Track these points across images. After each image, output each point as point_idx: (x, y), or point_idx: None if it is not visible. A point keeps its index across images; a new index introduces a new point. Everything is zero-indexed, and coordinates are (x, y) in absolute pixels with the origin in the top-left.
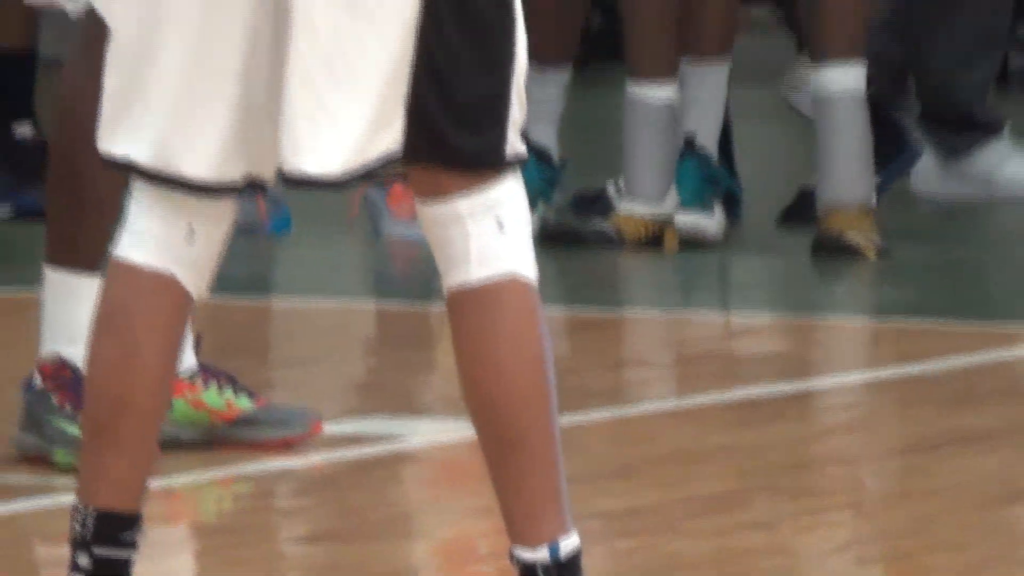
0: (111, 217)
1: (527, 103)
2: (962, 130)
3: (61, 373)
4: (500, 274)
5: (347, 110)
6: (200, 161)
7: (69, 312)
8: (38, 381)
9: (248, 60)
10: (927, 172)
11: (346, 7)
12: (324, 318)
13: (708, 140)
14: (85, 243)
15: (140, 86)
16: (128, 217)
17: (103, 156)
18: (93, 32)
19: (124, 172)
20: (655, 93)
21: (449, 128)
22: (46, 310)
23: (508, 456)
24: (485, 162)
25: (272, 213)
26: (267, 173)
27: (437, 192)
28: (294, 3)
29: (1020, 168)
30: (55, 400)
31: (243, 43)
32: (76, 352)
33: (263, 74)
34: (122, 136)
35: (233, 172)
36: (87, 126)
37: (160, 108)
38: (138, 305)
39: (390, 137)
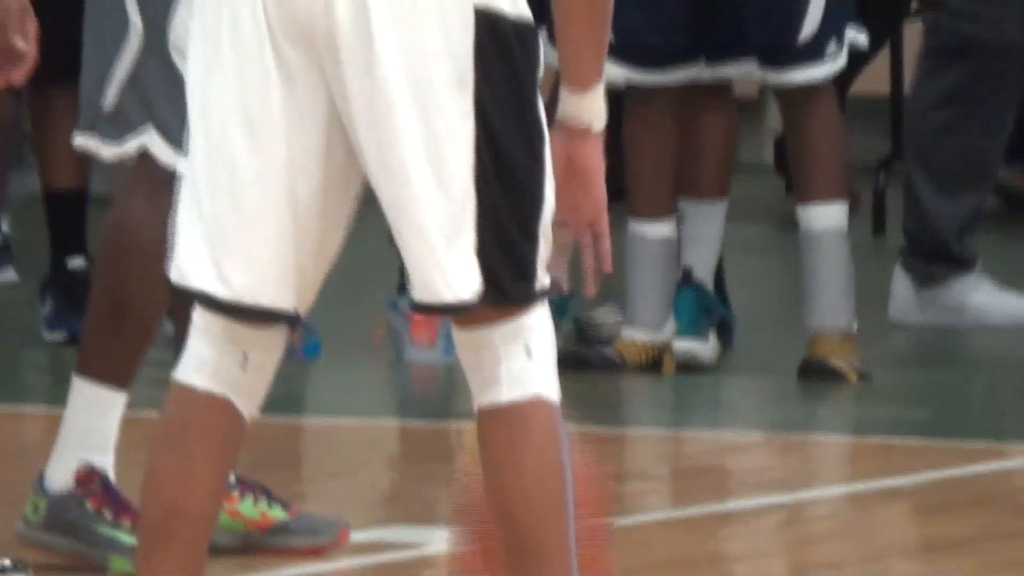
0: (148, 340)
1: None
2: (938, 261)
3: (92, 479)
4: (527, 396)
5: (449, 254)
6: (269, 294)
7: (99, 423)
8: (60, 484)
9: (324, 208)
10: (904, 300)
11: (426, 165)
12: (351, 435)
13: (705, 273)
14: (121, 361)
15: (219, 227)
16: (189, 343)
17: (177, 288)
18: (144, 172)
19: (197, 303)
20: (654, 230)
21: (499, 269)
22: (72, 418)
23: (528, 561)
24: (520, 297)
25: (304, 339)
26: (306, 305)
27: (475, 321)
28: (387, 160)
29: (989, 298)
30: (89, 505)
31: (320, 190)
32: (104, 461)
33: (330, 220)
34: (199, 271)
35: (289, 303)
36: (137, 255)
37: (239, 248)
38: (196, 424)
39: (473, 278)
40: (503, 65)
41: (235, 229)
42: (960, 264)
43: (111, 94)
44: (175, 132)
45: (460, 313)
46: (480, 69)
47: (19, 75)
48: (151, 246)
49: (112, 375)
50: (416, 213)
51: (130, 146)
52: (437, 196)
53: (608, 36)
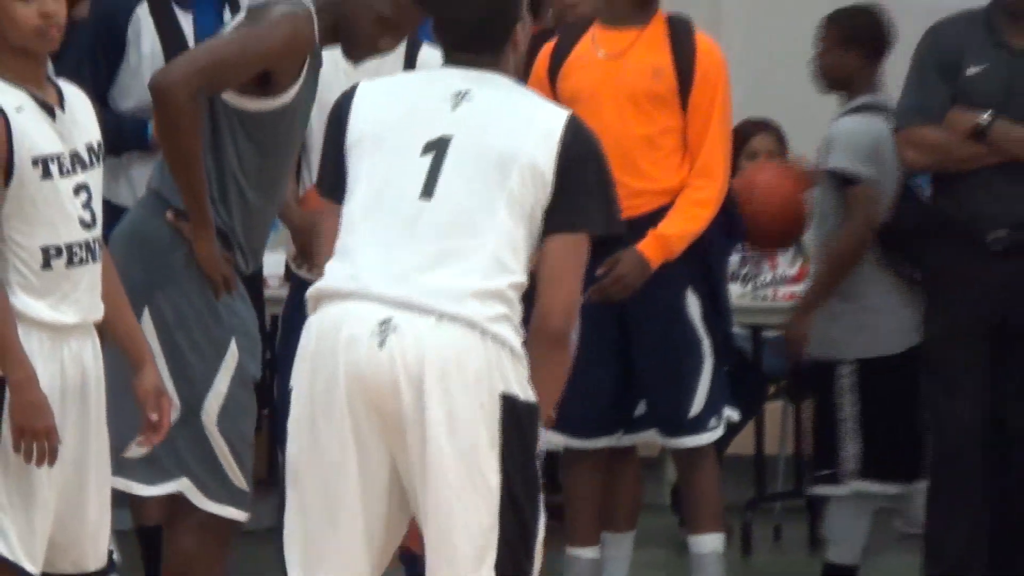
0: None
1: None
2: None
3: None
4: None
5: (463, 564)
6: None
7: None
8: None
9: (385, 537)
10: None
11: (461, 489)
12: None
13: None
14: None
15: (310, 550)
16: None
17: None
18: (185, 508)
19: None
20: (584, 553)
21: None
22: None
23: None
24: None
25: None
26: None
27: None
28: (422, 484)
29: None
30: None
31: (383, 525)
32: None
33: (388, 546)
34: None
35: None
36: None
37: (321, 565)
38: None
39: None
40: (517, 433)
41: (317, 558)
42: None
43: (140, 450)
44: (209, 486)
45: None
46: (503, 435)
47: (154, 441)
48: (204, 570)
49: None
50: (453, 542)
51: (164, 489)
52: (473, 528)
53: (559, 391)
